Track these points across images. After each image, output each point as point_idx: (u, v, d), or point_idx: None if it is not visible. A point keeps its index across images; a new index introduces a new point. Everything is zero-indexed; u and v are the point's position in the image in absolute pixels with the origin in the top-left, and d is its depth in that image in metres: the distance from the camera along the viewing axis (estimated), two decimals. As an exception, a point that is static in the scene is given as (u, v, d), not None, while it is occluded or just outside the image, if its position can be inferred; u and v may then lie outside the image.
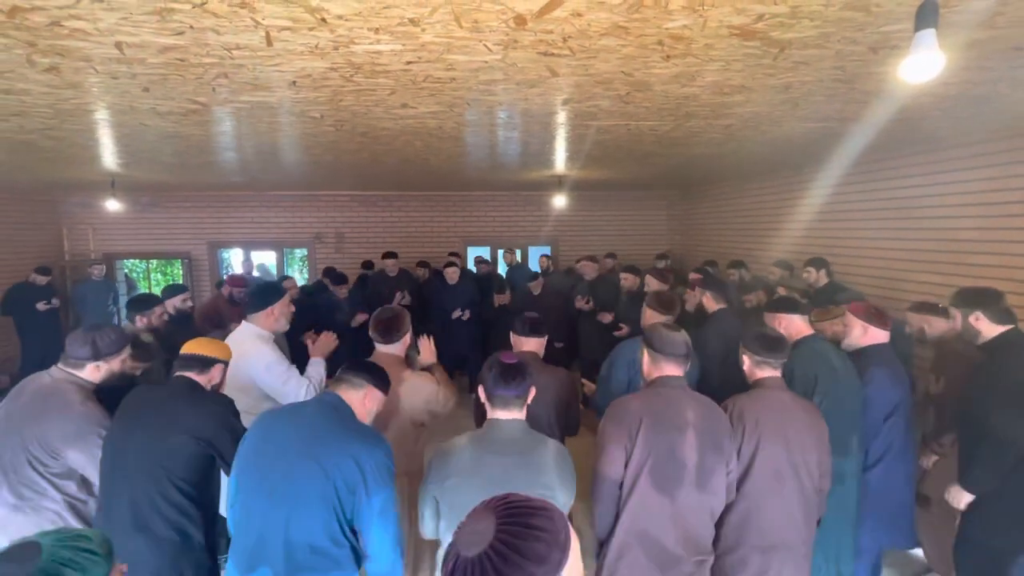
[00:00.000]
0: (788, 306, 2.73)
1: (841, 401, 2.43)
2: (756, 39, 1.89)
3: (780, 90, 2.54)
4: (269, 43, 1.87)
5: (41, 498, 2.03)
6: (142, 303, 3.45)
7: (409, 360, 2.52)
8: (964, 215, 3.85)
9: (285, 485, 1.60)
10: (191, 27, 1.72)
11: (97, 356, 2.19)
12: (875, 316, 2.65)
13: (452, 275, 5.79)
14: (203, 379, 2.04)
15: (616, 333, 4.74)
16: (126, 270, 9.28)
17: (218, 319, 4.71)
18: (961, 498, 2.39)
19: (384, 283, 6.09)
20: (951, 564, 2.71)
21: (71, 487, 2.05)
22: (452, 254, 7.51)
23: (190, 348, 2.09)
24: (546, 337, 2.58)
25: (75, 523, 2.03)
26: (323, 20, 1.68)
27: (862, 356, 2.62)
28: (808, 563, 2.13)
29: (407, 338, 2.44)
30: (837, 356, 2.56)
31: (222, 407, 1.99)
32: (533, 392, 1.78)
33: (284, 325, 2.76)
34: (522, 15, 1.66)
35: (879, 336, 2.65)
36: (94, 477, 2.01)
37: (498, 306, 5.65)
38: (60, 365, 2.20)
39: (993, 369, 2.36)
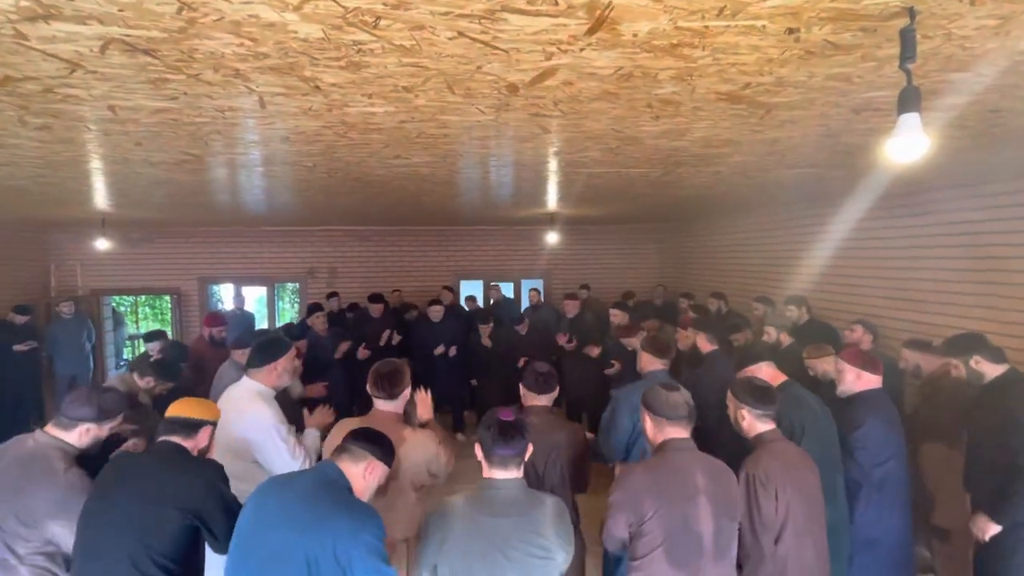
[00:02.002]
0: (754, 358, 2.77)
1: (824, 446, 2.45)
2: (743, 103, 1.93)
3: (767, 143, 2.60)
4: (263, 106, 1.88)
5: (8, 574, 1.92)
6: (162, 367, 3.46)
7: (407, 417, 2.41)
8: (950, 256, 3.91)
9: (268, 569, 1.54)
10: (185, 93, 1.74)
11: (100, 418, 2.08)
12: (868, 363, 2.68)
13: (436, 313, 5.77)
14: (190, 444, 1.94)
15: (608, 372, 4.72)
16: (113, 304, 9.16)
17: (200, 365, 4.56)
18: (988, 529, 2.46)
19: (367, 323, 5.95)
20: None
21: (40, 561, 1.93)
22: (446, 287, 7.51)
23: (175, 410, 2.00)
24: (557, 390, 2.49)
25: None
26: (317, 87, 1.70)
27: (856, 402, 2.65)
28: None
29: (407, 393, 2.33)
30: (815, 400, 2.61)
31: (211, 474, 1.88)
32: (531, 450, 1.74)
33: (287, 381, 2.60)
34: (514, 84, 1.69)
35: (872, 382, 2.67)
36: (69, 550, 1.91)
37: (485, 341, 5.66)
38: (48, 427, 2.09)
39: (1012, 408, 2.51)
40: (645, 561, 1.76)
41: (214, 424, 2.05)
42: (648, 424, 1.95)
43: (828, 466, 2.35)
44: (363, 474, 1.71)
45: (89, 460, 2.11)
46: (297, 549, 1.53)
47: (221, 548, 1.82)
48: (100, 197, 4.15)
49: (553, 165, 3.16)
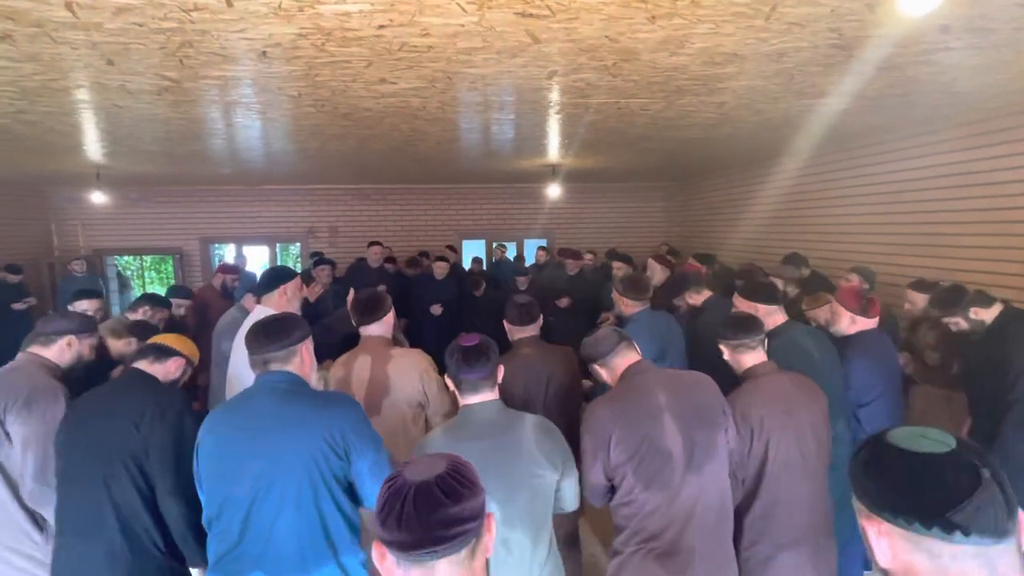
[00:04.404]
0: (761, 295, 2.55)
1: (825, 389, 2.33)
2: (745, -6, 1.78)
3: (774, 58, 2.44)
4: (229, 3, 1.76)
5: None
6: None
7: (397, 341, 2.44)
8: (965, 196, 3.74)
9: (267, 491, 1.48)
10: (142, -17, 1.62)
11: (78, 329, 2.14)
12: (864, 307, 2.59)
13: (440, 270, 5.76)
14: (158, 369, 1.90)
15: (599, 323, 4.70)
16: (119, 268, 9.18)
17: (204, 312, 4.58)
18: None
19: (365, 274, 5.94)
20: None
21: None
22: (448, 247, 7.42)
23: (154, 339, 2.00)
24: (541, 318, 2.49)
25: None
26: (281, -28, 1.58)
27: (847, 343, 2.58)
28: (833, 553, 2.04)
29: (390, 317, 2.33)
30: (814, 343, 2.45)
31: (167, 398, 1.79)
32: (502, 371, 1.67)
33: (296, 307, 2.60)
34: (493, -36, 1.56)
35: (867, 324, 2.61)
36: (34, 456, 1.88)
37: (479, 296, 5.65)
38: (29, 348, 2.12)
39: (1005, 344, 2.51)
40: (623, 492, 1.70)
41: (188, 359, 2.02)
42: (601, 373, 1.87)
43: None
44: (300, 365, 1.62)
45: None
46: (294, 456, 1.47)
47: (163, 489, 1.72)
48: (88, 140, 4.06)
49: (549, 95, 3.01)
